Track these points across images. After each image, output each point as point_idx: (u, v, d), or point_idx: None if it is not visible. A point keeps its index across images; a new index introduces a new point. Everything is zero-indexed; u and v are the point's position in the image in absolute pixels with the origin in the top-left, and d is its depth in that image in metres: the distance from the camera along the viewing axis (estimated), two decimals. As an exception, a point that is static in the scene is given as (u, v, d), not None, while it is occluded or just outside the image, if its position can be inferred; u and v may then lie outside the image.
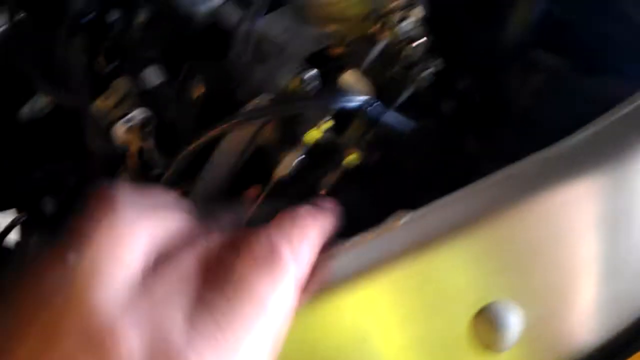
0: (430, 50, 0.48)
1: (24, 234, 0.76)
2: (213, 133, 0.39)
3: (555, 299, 0.37)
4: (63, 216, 0.69)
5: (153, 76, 0.51)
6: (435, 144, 0.48)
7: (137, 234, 0.30)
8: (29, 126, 0.65)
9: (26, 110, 0.66)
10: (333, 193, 0.46)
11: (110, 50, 0.57)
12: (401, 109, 0.47)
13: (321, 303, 0.35)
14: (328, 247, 0.35)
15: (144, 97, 0.51)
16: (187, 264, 0.30)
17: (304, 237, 0.34)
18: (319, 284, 0.34)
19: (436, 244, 0.35)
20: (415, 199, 0.37)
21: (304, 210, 0.36)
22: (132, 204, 0.31)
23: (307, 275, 0.34)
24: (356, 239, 0.35)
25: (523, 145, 0.47)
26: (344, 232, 0.37)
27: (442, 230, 0.35)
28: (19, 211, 0.74)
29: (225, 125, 0.39)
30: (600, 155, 0.36)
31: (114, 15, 0.58)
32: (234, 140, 0.42)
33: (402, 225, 0.35)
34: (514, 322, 0.35)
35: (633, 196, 0.37)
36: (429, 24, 0.49)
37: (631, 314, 0.39)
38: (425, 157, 0.47)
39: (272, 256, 0.31)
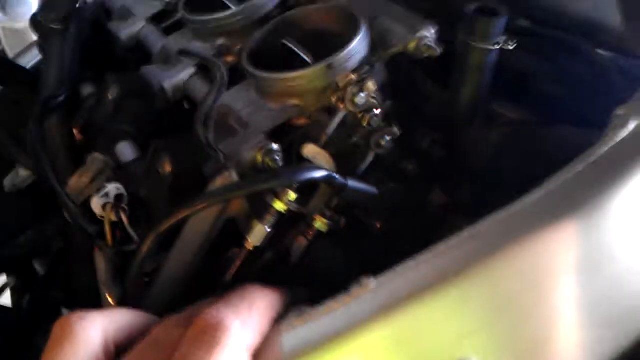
0: (392, 114, 0.49)
1: (16, 296, 0.77)
2: (181, 215, 0.40)
3: (527, 353, 0.37)
4: (53, 277, 0.70)
5: (126, 152, 0.53)
6: (403, 203, 0.49)
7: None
8: (13, 195, 0.66)
9: (8, 181, 0.67)
10: (305, 257, 0.47)
11: (85, 125, 0.59)
12: (367, 173, 0.49)
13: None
14: (282, 319, 0.36)
15: (118, 172, 0.52)
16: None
17: (252, 307, 0.35)
18: (276, 354, 0.35)
19: (405, 306, 0.35)
20: (386, 259, 0.38)
21: (252, 286, 0.38)
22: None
23: (262, 345, 0.35)
24: (323, 308, 0.36)
25: (488, 197, 0.49)
26: (318, 294, 0.37)
27: (411, 292, 0.35)
28: (8, 275, 0.75)
29: (192, 207, 0.40)
30: (565, 207, 0.37)
31: (87, 91, 0.60)
32: (203, 216, 0.43)
33: (370, 290, 0.36)
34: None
35: (600, 244, 0.38)
36: (390, 88, 0.51)
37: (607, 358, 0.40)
38: (394, 216, 0.48)
39: (217, 327, 0.33)
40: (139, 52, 0.61)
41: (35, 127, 0.50)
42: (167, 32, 0.60)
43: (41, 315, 0.70)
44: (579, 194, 0.37)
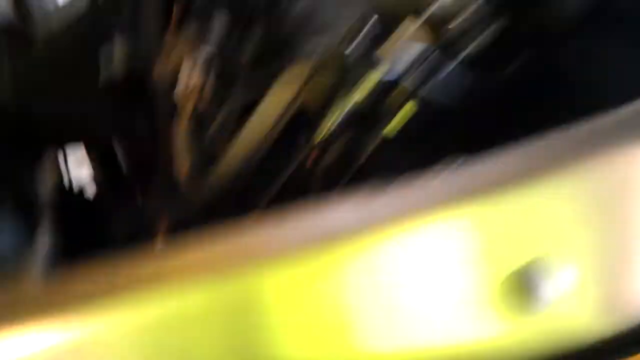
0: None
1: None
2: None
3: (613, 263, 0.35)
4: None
5: (219, 24, 0.53)
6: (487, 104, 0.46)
7: None
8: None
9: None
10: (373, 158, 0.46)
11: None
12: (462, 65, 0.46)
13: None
14: None
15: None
16: None
17: None
18: None
19: (491, 192, 0.34)
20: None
21: None
22: None
23: None
24: (415, 183, 0.35)
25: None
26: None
27: (498, 179, 0.34)
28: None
29: (279, 68, 0.40)
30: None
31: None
32: (276, 98, 0.43)
33: (457, 170, 0.35)
34: (561, 278, 0.34)
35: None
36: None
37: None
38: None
39: None
40: None
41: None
42: None
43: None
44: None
